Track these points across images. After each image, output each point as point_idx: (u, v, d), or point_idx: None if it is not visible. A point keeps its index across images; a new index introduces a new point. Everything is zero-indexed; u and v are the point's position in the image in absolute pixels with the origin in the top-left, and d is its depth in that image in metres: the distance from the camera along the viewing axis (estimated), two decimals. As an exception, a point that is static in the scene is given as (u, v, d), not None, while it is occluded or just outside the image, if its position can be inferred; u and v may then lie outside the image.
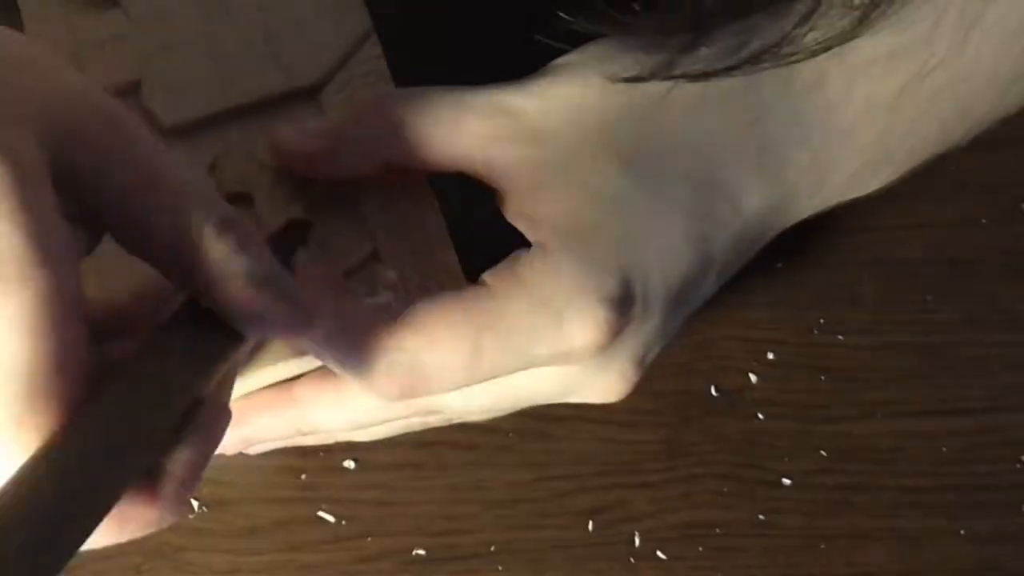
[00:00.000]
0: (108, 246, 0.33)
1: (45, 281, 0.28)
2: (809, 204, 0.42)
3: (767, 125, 0.40)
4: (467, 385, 0.38)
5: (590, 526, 0.47)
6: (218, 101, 0.41)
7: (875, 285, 0.51)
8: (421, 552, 0.47)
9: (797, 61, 0.38)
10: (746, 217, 0.40)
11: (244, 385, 0.40)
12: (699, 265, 0.40)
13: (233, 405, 0.35)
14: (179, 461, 0.31)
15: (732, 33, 0.38)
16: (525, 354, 0.37)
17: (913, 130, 0.41)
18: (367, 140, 0.39)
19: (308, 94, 0.42)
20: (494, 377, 0.38)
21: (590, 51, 0.40)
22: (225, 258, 0.32)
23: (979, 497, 0.48)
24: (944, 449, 0.49)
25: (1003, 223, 0.52)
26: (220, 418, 0.34)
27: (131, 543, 0.31)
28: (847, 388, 0.50)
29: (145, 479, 0.31)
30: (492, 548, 0.47)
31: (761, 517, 0.48)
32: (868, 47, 0.39)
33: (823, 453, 0.49)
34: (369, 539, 0.47)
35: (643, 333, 0.39)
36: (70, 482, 0.28)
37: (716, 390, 0.49)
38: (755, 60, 0.38)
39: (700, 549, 0.47)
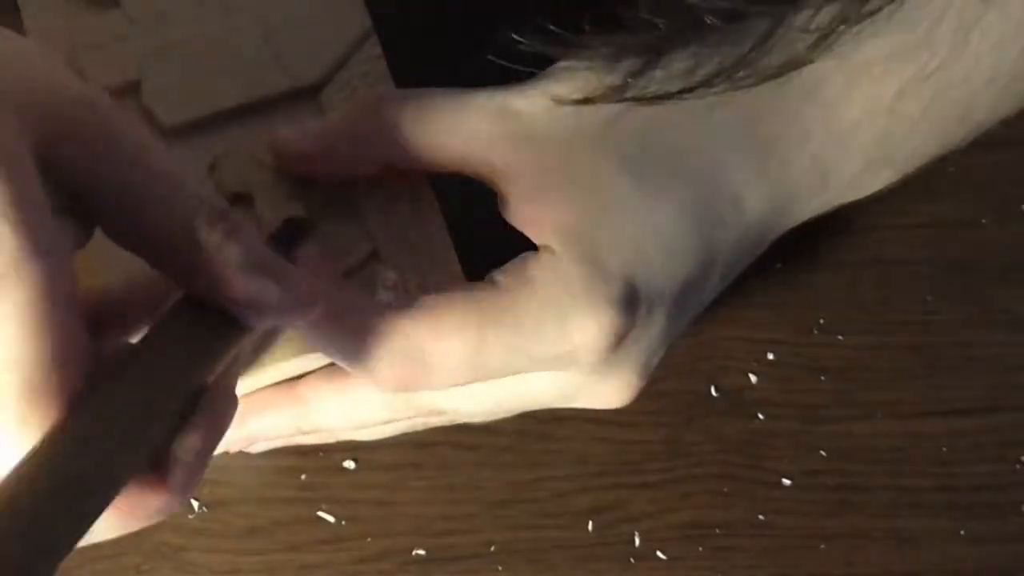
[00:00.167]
0: (100, 238, 0.33)
1: (40, 276, 0.28)
2: (810, 206, 0.42)
3: (768, 126, 0.40)
4: (468, 382, 0.38)
5: (590, 526, 0.47)
6: (218, 101, 0.41)
7: (875, 285, 0.51)
8: (421, 552, 0.47)
9: (751, 85, 0.38)
10: (748, 218, 0.40)
11: (247, 384, 0.40)
12: (702, 266, 0.40)
13: (236, 402, 0.35)
14: (186, 447, 0.31)
15: (686, 56, 0.38)
16: (529, 354, 0.37)
17: (914, 131, 0.41)
18: (367, 140, 0.39)
19: (308, 94, 0.42)
20: (496, 376, 0.38)
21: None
22: (217, 247, 0.32)
23: (979, 497, 0.48)
24: (944, 449, 0.49)
25: (1003, 223, 0.52)
26: (227, 405, 0.34)
27: (131, 543, 0.31)
28: (847, 388, 0.50)
29: (152, 467, 0.31)
30: (492, 548, 0.47)
31: (761, 517, 0.48)
32: (868, 48, 0.39)
33: (823, 453, 0.49)
34: (369, 539, 0.47)
35: (647, 338, 0.39)
36: (73, 468, 0.28)
37: (716, 390, 0.49)
38: (707, 84, 0.37)
39: (700, 549, 0.47)
